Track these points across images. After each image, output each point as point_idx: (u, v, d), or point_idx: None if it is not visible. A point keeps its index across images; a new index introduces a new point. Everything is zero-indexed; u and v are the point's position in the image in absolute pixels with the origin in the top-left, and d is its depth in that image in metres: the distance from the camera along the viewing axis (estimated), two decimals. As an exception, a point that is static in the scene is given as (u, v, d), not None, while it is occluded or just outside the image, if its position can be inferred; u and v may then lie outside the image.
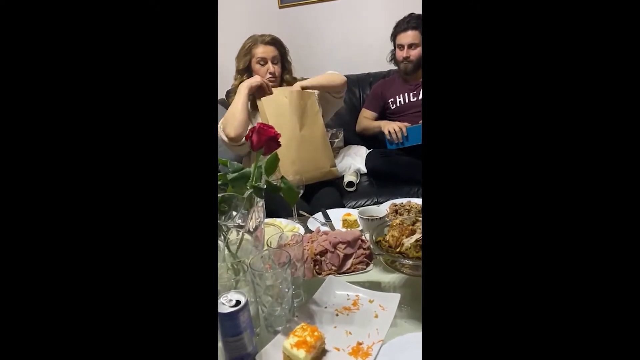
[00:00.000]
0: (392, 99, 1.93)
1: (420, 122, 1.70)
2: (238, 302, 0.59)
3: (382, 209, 1.07)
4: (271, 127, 0.72)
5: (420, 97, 1.87)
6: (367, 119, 1.97)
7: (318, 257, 0.83)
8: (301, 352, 0.60)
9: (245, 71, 1.62)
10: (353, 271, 0.82)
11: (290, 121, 1.48)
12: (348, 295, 0.78)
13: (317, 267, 0.83)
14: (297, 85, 1.52)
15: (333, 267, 0.82)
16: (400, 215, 1.09)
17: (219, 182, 0.72)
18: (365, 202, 1.63)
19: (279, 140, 0.72)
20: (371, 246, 0.83)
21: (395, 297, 0.74)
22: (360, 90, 2.15)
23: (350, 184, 1.73)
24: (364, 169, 1.86)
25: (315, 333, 0.63)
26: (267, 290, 0.67)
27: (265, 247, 0.75)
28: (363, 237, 0.86)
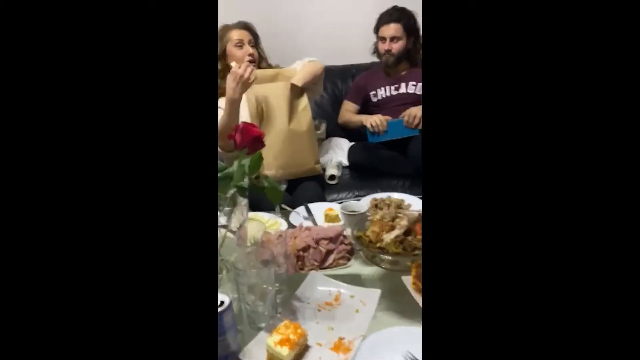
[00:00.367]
0: (374, 92, 1.93)
1: (400, 117, 1.72)
2: (222, 303, 0.60)
3: (364, 204, 1.09)
4: (255, 126, 0.71)
5: (401, 90, 1.88)
6: (349, 111, 1.98)
7: (301, 252, 0.84)
8: (284, 350, 0.61)
9: (220, 58, 1.59)
10: (335, 266, 0.84)
11: (280, 114, 1.47)
12: (330, 290, 0.80)
13: (299, 262, 0.84)
14: (298, 82, 1.49)
15: (315, 263, 0.83)
16: (380, 209, 1.12)
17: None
18: (347, 195, 1.65)
19: (263, 140, 0.72)
20: (352, 241, 0.85)
21: (376, 293, 0.77)
22: (343, 82, 2.15)
23: (332, 177, 1.74)
24: (345, 162, 1.87)
25: (299, 330, 0.64)
26: (250, 289, 0.68)
27: (248, 244, 0.75)
28: (345, 233, 0.88)
